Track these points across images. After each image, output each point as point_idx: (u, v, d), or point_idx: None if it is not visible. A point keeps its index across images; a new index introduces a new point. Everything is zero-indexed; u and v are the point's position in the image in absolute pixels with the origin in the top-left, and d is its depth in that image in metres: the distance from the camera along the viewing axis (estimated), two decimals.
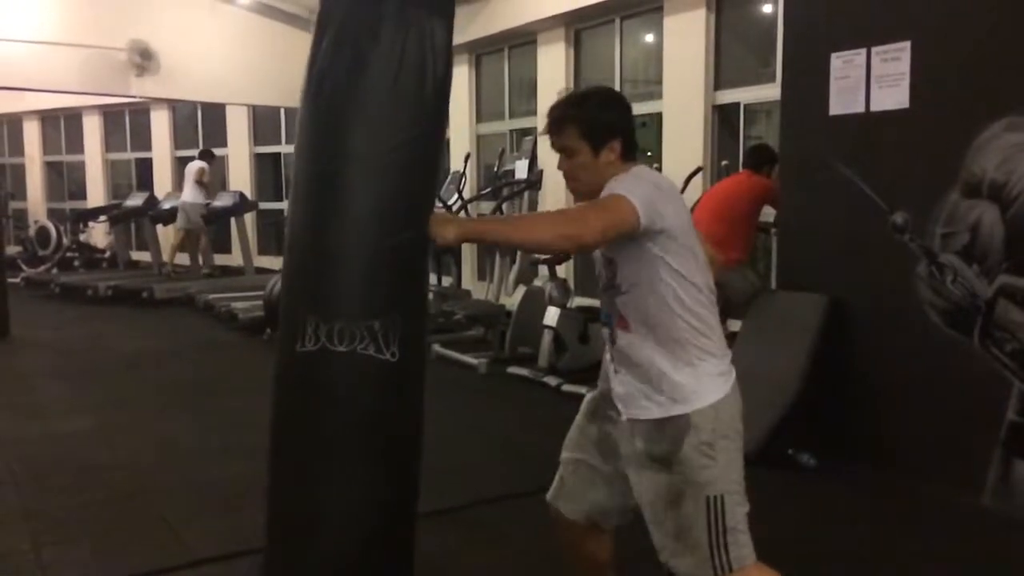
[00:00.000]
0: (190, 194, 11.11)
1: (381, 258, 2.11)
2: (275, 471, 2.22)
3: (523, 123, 9.21)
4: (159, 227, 11.90)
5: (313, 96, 2.14)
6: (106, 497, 3.89)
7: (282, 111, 13.10)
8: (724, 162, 6.90)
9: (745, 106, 6.95)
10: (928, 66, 3.86)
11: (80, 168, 15.53)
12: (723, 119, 7.18)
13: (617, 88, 8.04)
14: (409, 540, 2.26)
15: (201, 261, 11.59)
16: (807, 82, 4.39)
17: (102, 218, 12.83)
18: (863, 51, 4.09)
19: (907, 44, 3.92)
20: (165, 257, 11.90)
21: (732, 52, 7.14)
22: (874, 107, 4.08)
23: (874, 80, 4.07)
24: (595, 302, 7.37)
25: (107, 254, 13.22)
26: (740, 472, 2.08)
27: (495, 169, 8.66)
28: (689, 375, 2.05)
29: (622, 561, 2.40)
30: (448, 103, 2.20)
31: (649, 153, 7.96)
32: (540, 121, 9.18)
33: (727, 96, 7.06)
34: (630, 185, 2.01)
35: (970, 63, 3.72)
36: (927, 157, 3.87)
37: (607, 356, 2.24)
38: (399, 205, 2.11)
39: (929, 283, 3.88)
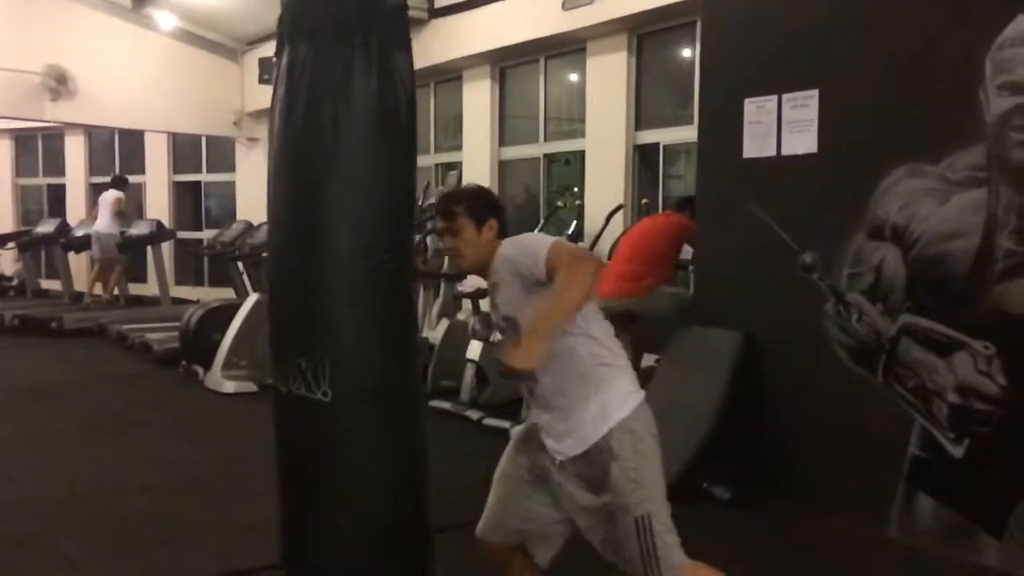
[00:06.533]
0: (104, 223, 10.80)
1: (314, 298, 2.08)
2: None
3: (448, 157, 9.26)
4: (71, 255, 11.53)
5: (286, 144, 2.18)
6: (6, 534, 3.72)
7: (203, 139, 12.90)
8: (644, 200, 7.06)
9: (665, 146, 7.15)
10: (834, 114, 4.04)
11: None
12: (643, 158, 7.36)
13: (541, 125, 8.21)
14: None
15: (116, 291, 11.23)
16: (722, 126, 4.54)
17: (10, 245, 12.38)
18: (774, 98, 4.27)
19: (815, 92, 4.10)
20: (83, 288, 11.50)
21: (652, 94, 7.34)
22: (785, 151, 4.24)
23: (785, 125, 4.24)
24: None
25: (15, 282, 12.74)
26: (662, 483, 2.26)
27: (420, 203, 8.66)
28: (599, 400, 2.26)
29: None
30: (415, 133, 2.34)
31: (575, 189, 8.10)
32: (466, 156, 9.18)
33: (647, 136, 7.25)
34: (546, 237, 2.27)
35: (872, 112, 3.91)
36: (834, 200, 4.04)
37: (527, 400, 2.40)
38: (345, 245, 2.15)
39: (836, 321, 4.03)
